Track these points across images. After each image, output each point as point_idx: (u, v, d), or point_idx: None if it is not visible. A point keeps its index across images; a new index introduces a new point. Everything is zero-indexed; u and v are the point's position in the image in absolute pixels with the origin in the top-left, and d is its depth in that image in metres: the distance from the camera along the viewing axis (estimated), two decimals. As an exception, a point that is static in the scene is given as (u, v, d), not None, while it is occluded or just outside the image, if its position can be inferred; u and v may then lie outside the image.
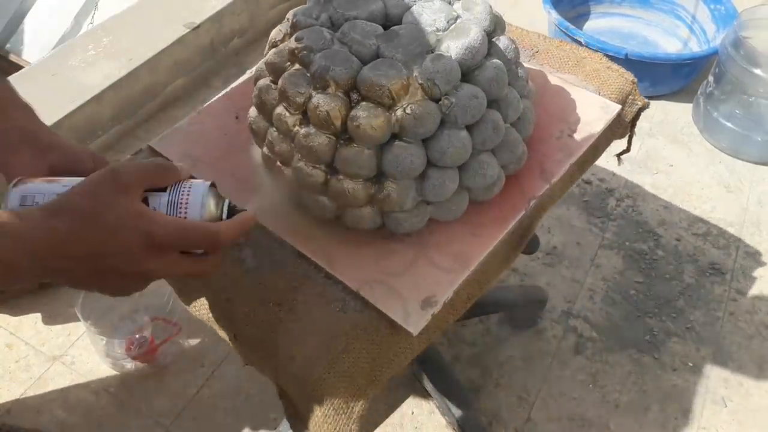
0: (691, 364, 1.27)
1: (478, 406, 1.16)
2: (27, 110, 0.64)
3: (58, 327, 1.29)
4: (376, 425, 1.17)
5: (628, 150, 0.97)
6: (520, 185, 0.76)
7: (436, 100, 0.65)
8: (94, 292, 0.52)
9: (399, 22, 0.71)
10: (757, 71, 1.58)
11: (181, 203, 0.53)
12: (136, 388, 1.21)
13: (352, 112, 0.64)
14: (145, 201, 0.52)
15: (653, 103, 1.84)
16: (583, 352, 1.28)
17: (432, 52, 0.67)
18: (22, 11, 2.04)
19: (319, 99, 0.64)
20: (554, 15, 1.80)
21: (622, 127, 0.89)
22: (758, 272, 1.43)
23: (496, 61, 0.69)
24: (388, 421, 1.18)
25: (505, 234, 0.72)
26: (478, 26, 0.69)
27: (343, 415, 0.64)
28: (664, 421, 1.19)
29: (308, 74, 0.66)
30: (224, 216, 0.55)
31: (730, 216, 1.54)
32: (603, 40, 1.75)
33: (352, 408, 0.64)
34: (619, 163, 1.03)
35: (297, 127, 0.67)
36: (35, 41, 2.02)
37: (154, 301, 1.26)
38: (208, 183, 0.55)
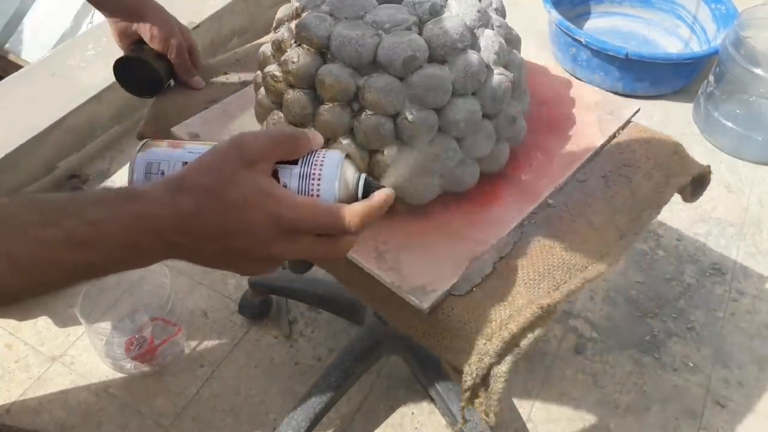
0: (691, 365, 1.27)
1: (479, 407, 1.16)
2: None
3: (58, 327, 1.29)
4: (376, 425, 1.17)
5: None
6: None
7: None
8: (222, 270, 0.50)
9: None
10: (758, 71, 1.58)
11: (313, 176, 0.49)
12: (135, 389, 1.21)
13: (284, 30, 0.76)
14: (275, 173, 0.49)
15: (654, 103, 1.84)
16: (584, 352, 1.28)
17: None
18: (22, 11, 2.03)
19: (282, 9, 0.79)
20: (554, 14, 1.80)
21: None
22: (759, 272, 1.43)
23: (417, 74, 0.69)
24: (388, 421, 1.17)
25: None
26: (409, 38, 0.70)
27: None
28: (664, 422, 1.19)
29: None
30: (360, 192, 0.51)
31: (731, 216, 1.54)
32: (603, 39, 1.75)
33: None
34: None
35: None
36: (34, 41, 2.01)
37: (153, 301, 1.26)
38: (343, 154, 0.51)
